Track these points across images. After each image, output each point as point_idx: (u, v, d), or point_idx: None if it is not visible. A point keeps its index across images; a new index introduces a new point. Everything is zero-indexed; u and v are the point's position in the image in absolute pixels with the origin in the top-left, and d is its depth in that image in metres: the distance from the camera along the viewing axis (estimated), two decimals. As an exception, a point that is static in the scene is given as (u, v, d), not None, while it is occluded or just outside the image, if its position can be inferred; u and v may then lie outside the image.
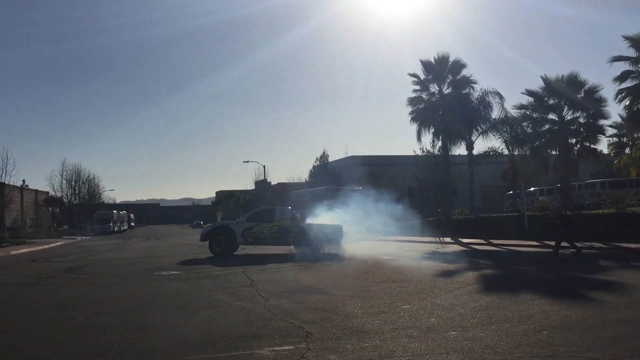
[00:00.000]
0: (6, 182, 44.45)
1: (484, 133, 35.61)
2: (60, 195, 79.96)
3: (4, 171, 39.91)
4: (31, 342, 7.38)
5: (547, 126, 32.87)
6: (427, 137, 37.98)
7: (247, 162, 66.04)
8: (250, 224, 22.63)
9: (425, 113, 36.70)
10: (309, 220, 23.80)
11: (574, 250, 18.25)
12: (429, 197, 36.59)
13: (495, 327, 7.47)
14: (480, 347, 6.36)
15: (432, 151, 39.44)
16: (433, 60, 36.64)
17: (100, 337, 7.48)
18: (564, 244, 18.36)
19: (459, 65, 36.18)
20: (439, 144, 37.66)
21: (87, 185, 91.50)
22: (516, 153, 35.34)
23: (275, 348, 6.60)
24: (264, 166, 60.32)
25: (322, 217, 24.44)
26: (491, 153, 36.33)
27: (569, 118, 32.27)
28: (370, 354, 6.20)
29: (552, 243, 18.87)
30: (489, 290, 11.11)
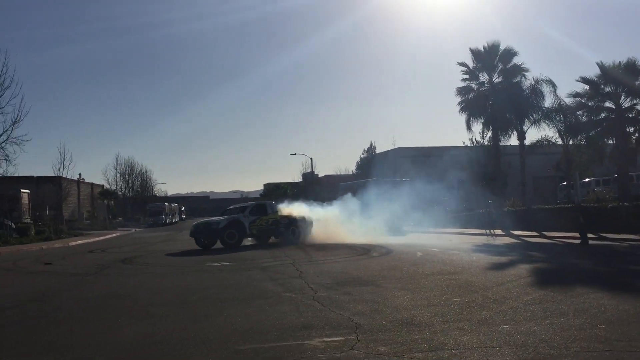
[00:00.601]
0: (64, 176, 46.04)
1: (536, 122, 34.74)
2: (114, 188, 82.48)
3: (62, 165, 41.36)
4: (90, 330, 7.66)
5: (603, 114, 31.80)
6: (477, 128, 37.37)
7: (295, 154, 66.37)
8: (253, 217, 23.71)
9: (474, 103, 36.08)
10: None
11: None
12: (479, 189, 35.96)
13: (549, 320, 7.30)
14: (534, 341, 6.23)
15: (482, 142, 38.77)
16: (483, 49, 35.95)
17: (156, 326, 7.70)
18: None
19: (509, 54, 35.37)
20: (489, 134, 37.04)
21: (139, 179, 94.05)
22: (570, 143, 34.37)
23: (325, 339, 6.63)
24: (311, 158, 60.47)
25: (288, 209, 25.74)
26: (544, 143, 35.42)
27: (626, 106, 31.11)
28: (421, 346, 6.16)
29: (609, 235, 18.67)
30: (543, 283, 10.84)
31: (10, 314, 9.21)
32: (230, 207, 26.80)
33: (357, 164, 66.63)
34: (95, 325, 7.96)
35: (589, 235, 19.51)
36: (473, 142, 39.77)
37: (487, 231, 27.96)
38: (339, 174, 74.55)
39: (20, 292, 11.54)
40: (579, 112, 32.78)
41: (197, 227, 23.83)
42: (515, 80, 35.37)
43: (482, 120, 36.36)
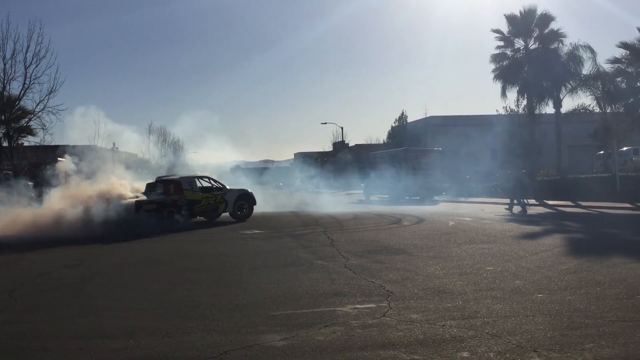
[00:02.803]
0: (99, 145, 46.74)
1: (573, 90, 33.77)
2: (147, 157, 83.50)
3: (97, 134, 42.04)
4: (128, 295, 7.87)
5: (643, 81, 30.71)
6: (512, 96, 36.68)
7: (325, 123, 66.00)
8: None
9: (509, 70, 35.23)
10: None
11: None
12: (513, 158, 35.39)
13: (584, 290, 7.21)
14: (569, 311, 6.17)
15: (516, 110, 38.01)
16: (518, 14, 34.89)
17: (191, 291, 7.86)
18: None
19: (546, 18, 34.27)
20: (524, 102, 36.23)
21: (172, 148, 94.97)
22: (608, 111, 33.39)
23: (357, 306, 6.69)
24: (342, 128, 60.35)
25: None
26: (581, 111, 34.49)
27: (667, 71, 29.98)
28: (453, 314, 6.16)
29: None
30: (578, 253, 10.69)
31: (52, 277, 9.50)
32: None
33: (389, 133, 65.99)
34: (132, 291, 8.17)
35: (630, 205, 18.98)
36: (507, 111, 39.01)
37: (521, 200, 27.59)
38: (369, 143, 74.06)
39: (59, 259, 11.88)
40: (618, 79, 31.69)
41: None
42: (552, 47, 34.33)
43: (517, 88, 35.53)
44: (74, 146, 23.86)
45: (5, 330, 6.08)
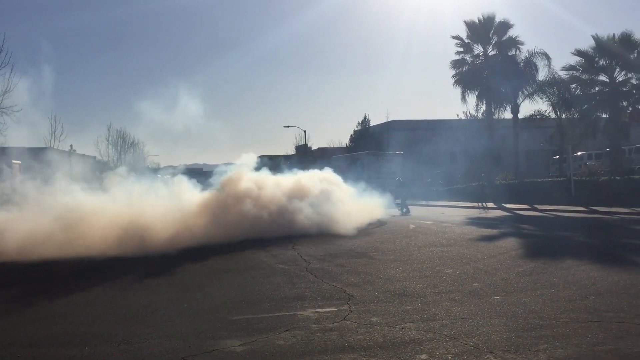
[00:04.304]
0: (55, 147, 45.65)
1: (530, 96, 34.67)
2: (106, 159, 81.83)
3: (53, 136, 41.03)
4: (86, 300, 7.68)
5: (597, 88, 31.70)
6: (471, 101, 37.27)
7: (288, 127, 66.30)
8: None
9: (469, 76, 35.92)
10: None
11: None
12: (472, 162, 36.04)
13: (539, 292, 7.39)
14: (524, 312, 6.31)
15: (475, 115, 38.71)
16: (477, 21, 35.65)
17: (149, 297, 7.73)
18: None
19: (505, 26, 35.09)
20: (483, 107, 36.94)
21: (132, 150, 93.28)
22: (564, 116, 34.33)
23: (317, 310, 6.69)
24: (305, 131, 60.19)
25: None
26: (537, 116, 35.37)
27: (620, 79, 31.04)
28: (413, 317, 6.23)
29: (600, 208, 18.88)
30: (533, 255, 10.95)
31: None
32: None
33: (351, 136, 66.28)
34: (82, 296, 7.98)
35: (580, 208, 19.69)
36: (467, 116, 39.69)
37: (480, 204, 28.15)
38: (332, 146, 74.24)
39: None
40: (573, 86, 32.67)
41: None
42: (510, 54, 35.15)
43: (477, 94, 36.26)
44: (29, 148, 23.15)
45: (-47, 338, 5.86)
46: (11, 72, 29.18)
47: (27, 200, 13.35)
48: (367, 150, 41.30)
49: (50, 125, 41.17)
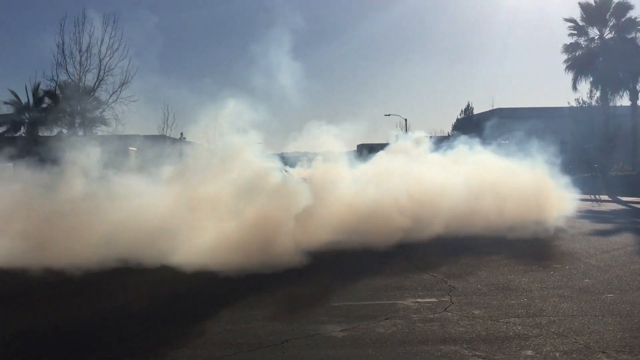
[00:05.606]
0: (167, 135, 48.21)
1: (651, 81, 32.21)
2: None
3: (165, 124, 43.33)
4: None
5: None
6: (584, 87, 35.21)
7: (389, 115, 65.46)
8: None
9: (582, 60, 33.93)
10: None
11: None
12: (584, 152, 34.04)
13: (659, 292, 6.89)
14: (641, 312, 5.92)
15: (589, 102, 36.49)
16: (593, 2, 33.54)
17: (254, 280, 8.00)
18: None
19: (623, 7, 32.73)
20: (598, 93, 34.75)
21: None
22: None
23: (418, 300, 6.65)
24: (406, 119, 59.41)
25: None
26: (660, 103, 32.82)
27: None
28: (518, 311, 6.03)
29: None
30: (652, 252, 10.20)
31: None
32: None
33: (454, 125, 64.81)
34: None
35: None
36: (579, 103, 37.52)
37: (592, 197, 26.57)
38: (434, 135, 72.97)
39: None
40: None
41: None
42: (629, 36, 32.78)
43: (591, 79, 34.18)
44: (144, 136, 24.61)
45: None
46: (129, 64, 31.18)
47: None
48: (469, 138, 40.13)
49: (163, 114, 43.48)
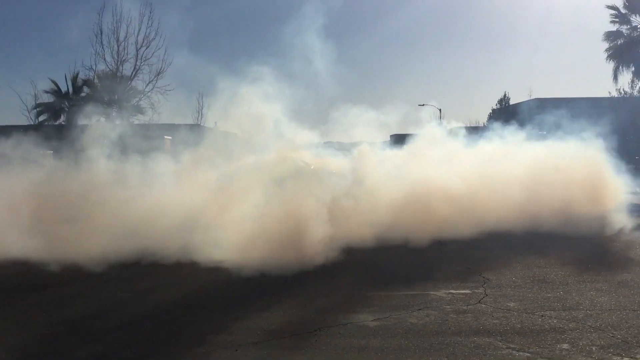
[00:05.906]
0: (201, 124, 48.80)
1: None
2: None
3: (199, 113, 43.84)
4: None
5: None
6: (626, 77, 34.21)
7: (423, 105, 64.80)
8: None
9: (624, 49, 33.00)
10: None
11: None
12: (625, 144, 33.15)
13: (701, 287, 6.70)
14: (683, 308, 5.77)
15: (631, 92, 35.49)
16: (638, -11, 32.50)
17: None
18: None
19: (670, -7, 31.68)
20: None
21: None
22: None
23: (451, 291, 6.62)
24: (440, 109, 58.78)
25: None
26: None
27: None
28: (553, 305, 5.94)
29: None
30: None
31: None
32: None
33: (489, 115, 63.83)
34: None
35: None
36: (620, 93, 36.52)
37: (634, 190, 25.88)
38: (469, 125, 71.99)
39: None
40: None
41: None
42: (675, 24, 31.76)
43: (632, 69, 33.22)
44: (179, 125, 24.92)
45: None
46: (165, 53, 31.57)
47: None
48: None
49: (198, 104, 44.01)
